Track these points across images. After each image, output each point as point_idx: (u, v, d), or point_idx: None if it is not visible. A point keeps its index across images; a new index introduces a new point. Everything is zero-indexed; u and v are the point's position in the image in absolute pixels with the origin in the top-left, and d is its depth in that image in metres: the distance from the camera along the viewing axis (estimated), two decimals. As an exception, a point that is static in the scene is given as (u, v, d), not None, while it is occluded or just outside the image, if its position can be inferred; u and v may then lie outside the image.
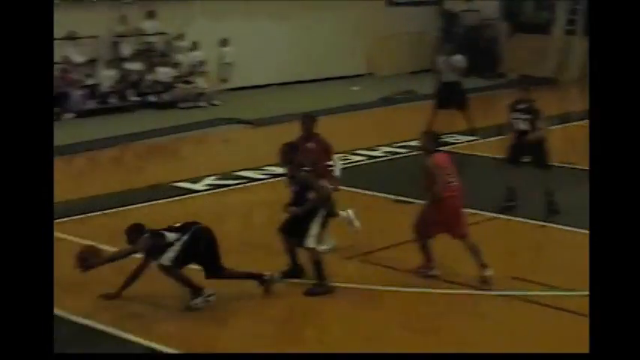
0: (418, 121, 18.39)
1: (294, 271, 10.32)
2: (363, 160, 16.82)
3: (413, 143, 18.02)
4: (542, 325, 9.16)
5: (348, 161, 16.16)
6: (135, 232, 9.61)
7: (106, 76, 22.72)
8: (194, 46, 24.07)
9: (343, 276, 10.34)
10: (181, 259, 9.40)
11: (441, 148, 10.48)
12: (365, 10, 27.62)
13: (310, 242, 9.85)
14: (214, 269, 9.61)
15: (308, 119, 11.33)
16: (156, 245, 9.40)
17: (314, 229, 9.85)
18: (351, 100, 23.21)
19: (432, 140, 10.34)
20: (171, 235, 9.44)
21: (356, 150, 17.35)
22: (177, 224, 9.63)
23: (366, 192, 14.19)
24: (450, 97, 18.40)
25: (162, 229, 9.50)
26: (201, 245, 9.50)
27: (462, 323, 9.27)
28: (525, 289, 10.05)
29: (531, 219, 12.77)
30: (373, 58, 28.44)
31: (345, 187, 11.57)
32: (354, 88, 25.70)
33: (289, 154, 10.07)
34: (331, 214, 10.33)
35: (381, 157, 17.14)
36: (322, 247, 10.18)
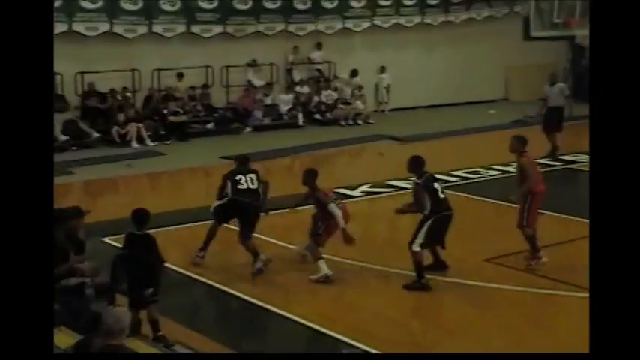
0: (545, 141, 18.22)
1: (436, 266, 10.47)
2: (496, 175, 16.71)
3: (541, 161, 17.98)
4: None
5: (485, 175, 16.12)
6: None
7: (282, 99, 23.32)
8: (354, 73, 24.43)
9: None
10: None
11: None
12: (503, 43, 27.32)
13: (414, 246, 10.01)
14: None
15: None
16: None
17: (420, 237, 9.99)
18: (488, 122, 23.06)
19: (521, 143, 10.67)
20: None
21: (492, 165, 17.26)
22: None
23: (499, 203, 14.11)
24: (556, 120, 18.20)
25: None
26: None
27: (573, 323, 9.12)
28: None
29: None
30: (509, 85, 28.11)
31: (480, 198, 11.60)
32: (491, 112, 25.49)
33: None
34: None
35: (514, 172, 16.98)
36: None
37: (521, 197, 10.58)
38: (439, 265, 10.55)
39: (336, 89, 24.19)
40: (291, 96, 23.37)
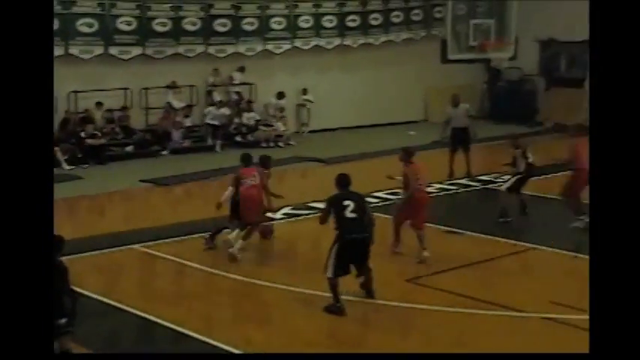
0: (463, 162, 18.44)
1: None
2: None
3: (462, 181, 18.17)
4: (571, 345, 8.88)
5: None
6: None
7: (215, 114, 22.95)
8: (280, 96, 24.40)
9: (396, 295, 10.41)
10: None
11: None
12: (423, 65, 27.66)
13: (327, 273, 9.88)
14: None
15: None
16: None
17: (330, 263, 9.85)
18: (407, 143, 23.13)
19: (407, 154, 12.35)
20: None
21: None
22: None
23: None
24: (461, 140, 18.42)
25: None
26: None
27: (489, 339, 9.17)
28: (562, 312, 9.86)
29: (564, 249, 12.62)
30: (428, 106, 28.46)
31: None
32: (411, 133, 25.73)
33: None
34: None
35: (434, 192, 17.11)
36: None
37: (403, 202, 12.32)
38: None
39: (257, 111, 24.09)
40: (224, 110, 23.14)
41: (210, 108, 23.14)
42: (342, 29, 25.83)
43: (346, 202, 9.89)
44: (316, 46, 25.39)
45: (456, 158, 18.42)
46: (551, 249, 12.74)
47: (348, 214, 9.84)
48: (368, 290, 10.30)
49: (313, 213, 15.12)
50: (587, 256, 5.98)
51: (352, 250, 9.84)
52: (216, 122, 22.95)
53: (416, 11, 27.41)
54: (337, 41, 25.78)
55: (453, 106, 18.84)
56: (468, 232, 13.67)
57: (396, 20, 26.99)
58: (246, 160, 12.74)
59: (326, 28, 25.52)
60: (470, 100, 27.73)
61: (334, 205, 9.93)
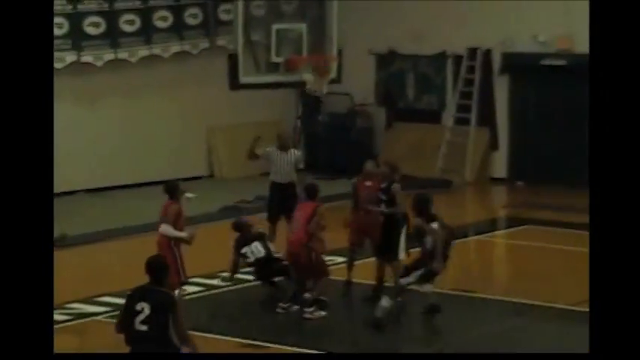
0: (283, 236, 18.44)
1: None
2: (201, 292, 16.77)
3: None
4: None
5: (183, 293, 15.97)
6: None
7: None
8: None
9: None
10: None
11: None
12: (203, 95, 27.66)
13: None
14: None
15: None
16: None
17: None
18: (185, 211, 22.97)
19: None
20: None
21: (191, 278, 17.16)
22: None
23: (206, 335, 14.14)
24: (283, 202, 18.31)
25: None
26: None
27: None
28: None
29: None
30: (214, 155, 28.43)
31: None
32: (189, 195, 25.39)
33: None
34: None
35: (222, 285, 16.94)
36: None
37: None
38: None
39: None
40: None
41: None
42: (75, 39, 25.36)
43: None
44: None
45: (277, 230, 18.24)
46: None
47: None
48: None
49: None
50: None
51: None
52: None
53: (192, 11, 27.49)
54: (70, 57, 25.32)
55: (280, 149, 18.67)
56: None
57: (161, 25, 26.89)
58: None
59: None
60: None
61: None
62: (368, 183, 16.63)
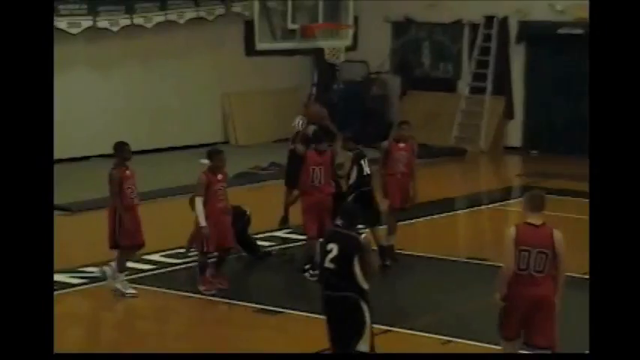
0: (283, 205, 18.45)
1: None
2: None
3: (279, 234, 18.18)
4: None
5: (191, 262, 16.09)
6: None
7: None
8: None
9: None
10: None
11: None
12: (218, 61, 27.67)
13: None
14: None
15: None
16: None
17: None
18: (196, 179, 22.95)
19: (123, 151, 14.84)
20: None
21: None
22: None
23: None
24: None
25: None
26: None
27: None
28: None
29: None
30: (229, 122, 28.43)
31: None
32: (204, 162, 25.50)
33: None
34: None
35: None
36: None
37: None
38: None
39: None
40: None
41: None
42: (91, 6, 25.30)
43: None
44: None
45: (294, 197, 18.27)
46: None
47: None
48: None
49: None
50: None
51: None
52: None
53: (207, -23, 27.44)
54: (86, 22, 25.30)
55: (311, 122, 18.70)
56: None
57: (175, -9, 26.87)
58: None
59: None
60: (293, 114, 27.67)
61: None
62: (401, 145, 16.66)
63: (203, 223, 14.30)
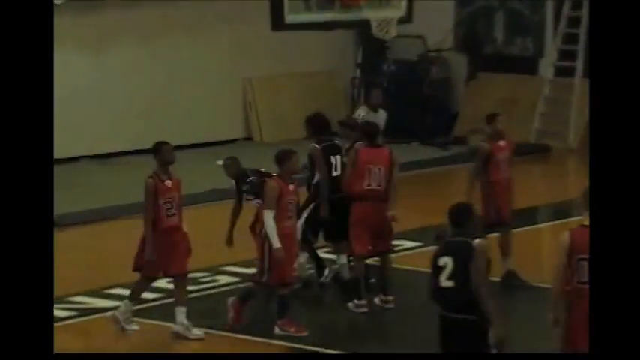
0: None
1: None
2: (233, 284, 17.14)
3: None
4: None
5: (215, 284, 16.07)
6: None
7: None
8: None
9: None
10: None
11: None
12: (238, 39, 27.69)
13: None
14: None
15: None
16: None
17: None
18: (213, 183, 22.94)
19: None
20: None
21: (225, 266, 17.49)
22: None
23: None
24: None
25: None
26: None
27: None
28: None
29: None
30: (252, 115, 28.48)
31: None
32: (219, 163, 25.46)
33: None
34: None
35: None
36: None
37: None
38: None
39: None
40: None
41: None
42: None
43: None
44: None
45: None
46: None
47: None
48: None
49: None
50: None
51: None
52: None
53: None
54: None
55: (371, 109, 18.87)
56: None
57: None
58: None
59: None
60: (331, 102, 27.81)
61: None
62: (502, 143, 16.64)
63: (277, 244, 14.18)
